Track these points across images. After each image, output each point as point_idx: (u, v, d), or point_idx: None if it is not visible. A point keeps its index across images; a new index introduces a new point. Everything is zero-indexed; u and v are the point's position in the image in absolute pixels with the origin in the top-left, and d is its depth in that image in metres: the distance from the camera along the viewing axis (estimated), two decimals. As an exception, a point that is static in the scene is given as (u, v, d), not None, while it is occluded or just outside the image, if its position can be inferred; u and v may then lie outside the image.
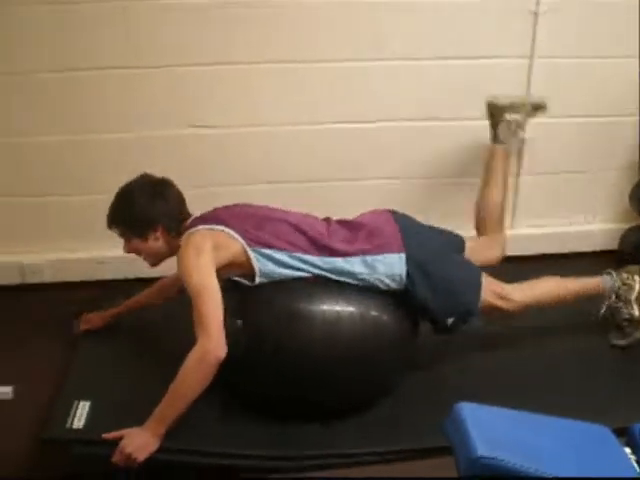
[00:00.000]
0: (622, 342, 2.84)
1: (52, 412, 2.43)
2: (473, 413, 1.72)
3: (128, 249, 2.57)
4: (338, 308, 2.41)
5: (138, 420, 2.26)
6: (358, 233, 2.52)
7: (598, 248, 3.55)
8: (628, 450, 1.80)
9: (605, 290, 2.85)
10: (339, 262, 2.44)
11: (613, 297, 2.84)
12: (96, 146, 3.13)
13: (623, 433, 1.85)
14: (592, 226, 3.57)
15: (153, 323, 2.93)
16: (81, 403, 2.44)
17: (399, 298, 2.50)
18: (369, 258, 2.45)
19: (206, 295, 2.28)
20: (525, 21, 3.14)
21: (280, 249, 2.41)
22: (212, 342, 2.23)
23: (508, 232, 3.45)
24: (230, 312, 2.33)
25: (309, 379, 2.40)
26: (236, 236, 2.39)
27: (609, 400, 2.54)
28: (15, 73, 2.97)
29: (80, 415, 2.38)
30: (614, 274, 2.87)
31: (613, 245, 3.55)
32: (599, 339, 2.90)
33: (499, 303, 2.65)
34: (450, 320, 2.56)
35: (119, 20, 2.92)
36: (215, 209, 2.56)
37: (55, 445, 2.32)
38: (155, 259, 2.60)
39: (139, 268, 2.79)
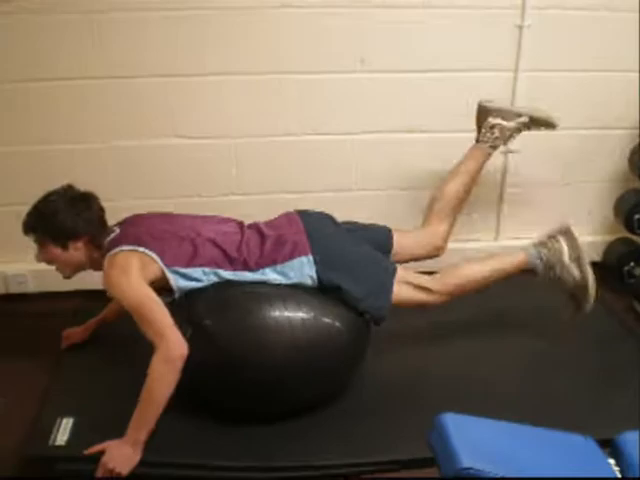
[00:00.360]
0: (578, 313, 2.82)
1: (35, 429, 2.42)
2: (457, 424, 1.73)
3: (43, 258, 2.57)
4: (288, 314, 2.43)
5: (122, 435, 2.26)
6: (267, 242, 2.54)
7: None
8: (612, 461, 1.81)
9: (532, 263, 2.81)
10: (251, 275, 2.50)
11: (541, 267, 2.79)
12: (73, 155, 3.14)
13: (607, 444, 1.86)
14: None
15: (135, 338, 2.89)
16: (64, 420, 2.43)
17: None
18: (279, 267, 2.50)
19: (147, 304, 2.32)
20: (510, 35, 3.16)
21: (195, 266, 2.46)
22: (171, 343, 2.26)
23: (493, 244, 3.49)
24: (179, 322, 2.34)
25: (259, 386, 2.42)
26: (155, 258, 2.42)
27: (593, 410, 2.55)
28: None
29: (63, 431, 2.38)
30: (537, 245, 2.84)
31: (597, 257, 3.56)
32: (583, 347, 2.92)
33: (421, 297, 2.66)
34: (367, 316, 2.58)
35: (82, 31, 2.93)
36: (132, 224, 2.58)
37: (38, 462, 2.29)
38: (71, 270, 2.61)
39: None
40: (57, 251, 2.52)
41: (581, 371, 2.79)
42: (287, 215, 2.71)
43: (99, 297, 2.99)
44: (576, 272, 2.77)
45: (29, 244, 3.16)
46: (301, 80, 3.13)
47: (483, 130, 3.02)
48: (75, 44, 2.95)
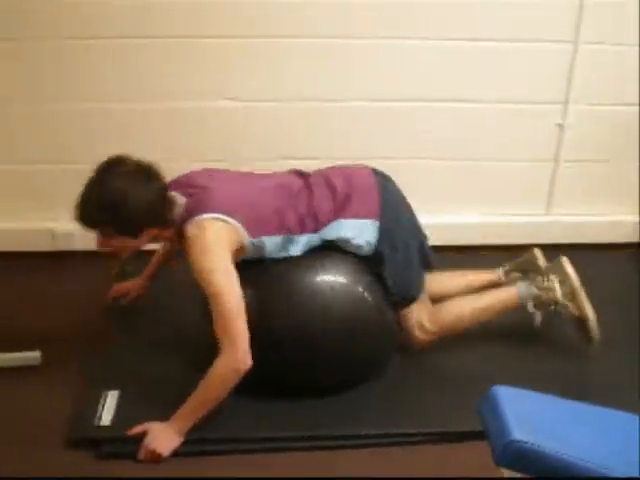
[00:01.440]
0: (593, 337, 2.66)
1: (78, 407, 2.39)
2: (509, 396, 1.70)
3: (106, 245, 2.35)
4: (326, 280, 2.39)
5: (167, 410, 2.26)
6: (336, 197, 2.44)
7: (634, 239, 3.50)
8: (664, 442, 1.78)
9: (523, 299, 2.70)
10: (317, 237, 2.41)
11: (531, 306, 2.70)
12: (124, 115, 3.13)
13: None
14: (629, 217, 3.51)
15: (184, 307, 2.86)
16: (110, 393, 2.42)
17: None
18: (342, 220, 2.41)
19: (231, 299, 2.19)
20: (570, 6, 3.09)
21: (272, 234, 2.36)
22: (239, 355, 2.19)
23: (542, 219, 3.44)
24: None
25: (303, 358, 2.40)
26: (240, 228, 2.29)
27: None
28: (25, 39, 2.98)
29: (109, 408, 2.36)
30: (527, 281, 2.74)
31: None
32: (630, 328, 2.87)
33: (415, 333, 2.60)
34: (396, 299, 2.52)
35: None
36: (199, 187, 2.38)
37: (84, 442, 2.26)
38: (137, 249, 2.43)
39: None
40: (126, 240, 2.32)
41: (629, 352, 2.74)
42: (361, 170, 2.57)
43: (147, 256, 3.03)
44: (573, 309, 2.66)
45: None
46: (354, 45, 3.10)
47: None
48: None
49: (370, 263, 2.47)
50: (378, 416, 2.42)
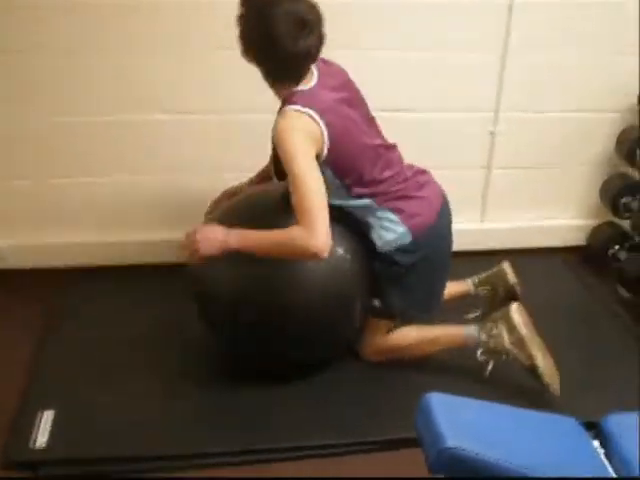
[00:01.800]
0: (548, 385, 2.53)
1: (13, 428, 2.35)
2: (442, 403, 1.71)
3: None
4: None
5: (102, 431, 2.26)
6: (407, 191, 2.48)
7: (567, 243, 3.56)
8: (597, 443, 1.81)
9: (469, 343, 2.61)
10: (355, 205, 2.44)
11: (480, 352, 2.58)
12: (63, 130, 3.03)
13: (593, 426, 1.85)
14: (561, 221, 3.56)
15: (124, 326, 2.86)
16: (45, 413, 2.37)
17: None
18: (388, 213, 2.44)
19: (312, 180, 2.18)
20: (499, 16, 3.12)
21: (341, 178, 2.37)
22: (319, 241, 2.13)
23: (477, 226, 3.48)
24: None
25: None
26: (326, 142, 2.27)
27: (577, 394, 2.54)
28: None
29: (44, 429, 2.32)
30: (477, 327, 2.62)
31: (582, 240, 3.57)
32: (566, 331, 2.92)
33: (367, 342, 2.66)
34: (376, 302, 2.57)
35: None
36: (325, 84, 2.35)
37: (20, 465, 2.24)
38: None
39: (107, 255, 2.84)
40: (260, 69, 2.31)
41: (565, 355, 2.76)
42: (435, 185, 2.61)
43: (80, 274, 2.98)
44: (522, 357, 2.54)
45: (9, 220, 3.13)
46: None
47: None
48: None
49: (379, 256, 2.49)
50: (312, 427, 2.42)
